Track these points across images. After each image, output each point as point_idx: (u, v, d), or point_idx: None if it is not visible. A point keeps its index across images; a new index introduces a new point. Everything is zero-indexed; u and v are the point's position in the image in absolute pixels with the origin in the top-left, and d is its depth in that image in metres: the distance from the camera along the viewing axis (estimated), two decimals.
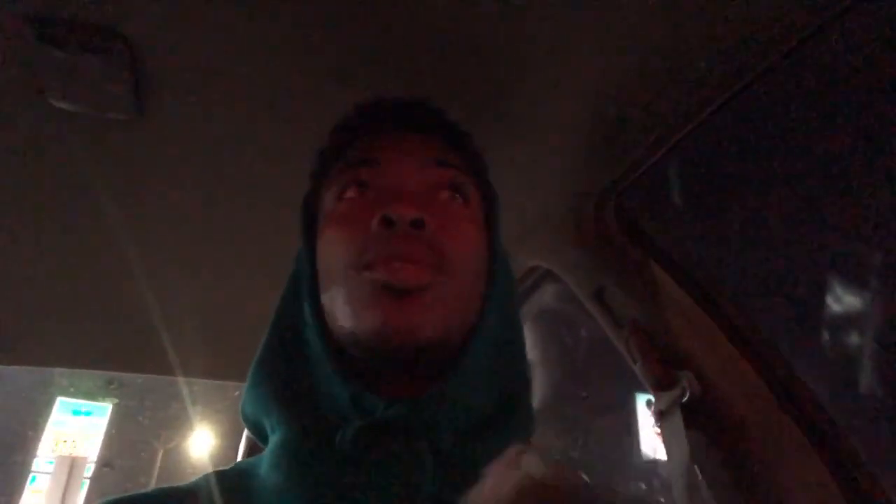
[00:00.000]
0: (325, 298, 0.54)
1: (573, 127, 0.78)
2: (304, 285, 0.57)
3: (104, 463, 10.72)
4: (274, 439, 0.53)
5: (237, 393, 0.61)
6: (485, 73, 0.69)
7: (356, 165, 0.57)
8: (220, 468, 0.57)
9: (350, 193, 0.56)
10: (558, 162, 0.85)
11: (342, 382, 0.50)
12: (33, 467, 10.20)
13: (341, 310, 0.52)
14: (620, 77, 0.69)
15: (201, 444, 11.36)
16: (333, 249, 0.54)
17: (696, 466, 0.74)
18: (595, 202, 0.90)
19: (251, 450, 1.24)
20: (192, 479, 0.56)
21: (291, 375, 0.54)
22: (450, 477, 0.47)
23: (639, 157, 0.81)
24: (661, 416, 0.81)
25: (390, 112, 0.62)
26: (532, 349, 0.62)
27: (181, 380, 1.53)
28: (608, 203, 0.89)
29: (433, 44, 0.65)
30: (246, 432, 1.23)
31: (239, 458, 1.26)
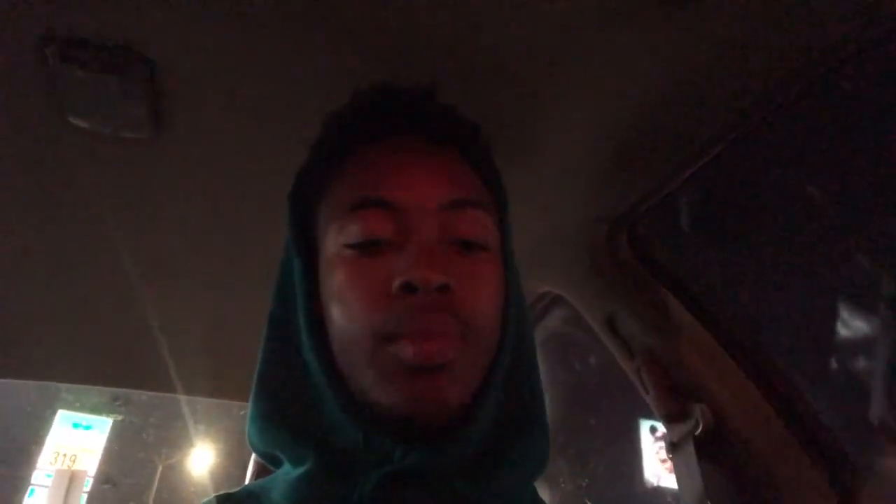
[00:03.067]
0: (339, 350, 0.51)
1: (588, 152, 0.78)
2: (303, 318, 0.53)
3: (104, 479, 10.65)
4: (289, 472, 0.51)
5: (242, 413, 0.59)
6: (499, 95, 0.69)
7: (367, 206, 0.52)
8: (229, 491, 0.56)
9: (360, 239, 0.51)
10: (572, 187, 0.85)
11: (351, 423, 0.48)
12: (33, 480, 10.14)
13: (361, 377, 0.49)
14: (638, 104, 0.69)
15: (201, 462, 11.27)
16: (348, 310, 0.49)
17: (709, 501, 0.73)
18: (608, 229, 0.89)
19: (261, 469, 1.22)
20: (193, 497, 0.54)
21: (300, 409, 0.52)
22: None
23: (654, 185, 0.81)
24: (673, 448, 0.79)
25: (395, 110, 0.57)
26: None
27: (184, 398, 1.52)
28: (622, 230, 0.89)
29: (447, 65, 0.65)
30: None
31: (248, 480, 1.24)
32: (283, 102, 0.71)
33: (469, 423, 0.48)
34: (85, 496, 9.81)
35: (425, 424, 0.47)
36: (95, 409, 10.92)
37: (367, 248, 0.50)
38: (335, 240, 0.52)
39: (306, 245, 0.56)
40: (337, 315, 0.51)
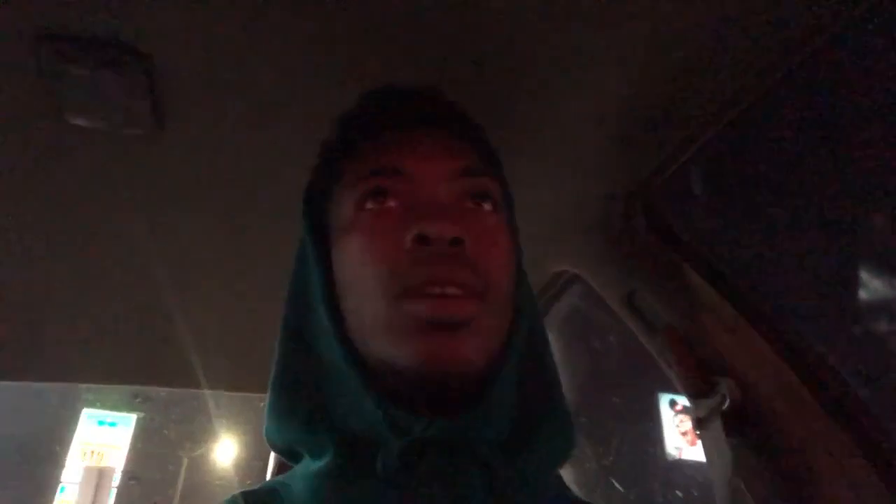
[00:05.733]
0: (354, 321, 0.51)
1: (601, 126, 0.76)
2: (318, 299, 0.53)
3: (130, 476, 10.85)
4: (309, 465, 0.51)
5: (262, 404, 0.59)
6: (511, 71, 0.67)
7: (379, 173, 0.53)
8: (249, 488, 0.55)
9: (373, 204, 0.52)
10: (586, 162, 0.83)
11: (374, 402, 0.48)
12: (62, 478, 10.37)
13: (377, 339, 0.48)
14: (649, 75, 0.67)
15: (226, 455, 11.45)
16: (362, 270, 0.50)
17: (738, 475, 0.72)
18: (624, 203, 0.87)
19: (282, 464, 1.23)
20: (218, 490, 0.54)
21: (314, 398, 0.52)
22: (499, 491, 0.46)
23: (669, 156, 0.79)
24: (700, 424, 0.78)
25: (403, 105, 0.59)
26: (557, 354, 0.61)
27: (205, 392, 1.53)
28: (638, 204, 0.87)
29: (458, 42, 0.64)
30: None
31: (269, 475, 1.25)
32: (285, 93, 0.70)
33: (490, 393, 0.48)
34: (114, 491, 10.03)
35: (444, 386, 0.46)
36: (115, 407, 11.11)
37: (381, 210, 0.51)
38: (349, 208, 0.53)
39: (321, 232, 0.57)
40: (352, 279, 0.51)
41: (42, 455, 10.27)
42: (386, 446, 0.46)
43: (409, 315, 0.46)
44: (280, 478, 0.56)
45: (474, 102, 0.62)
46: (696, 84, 0.68)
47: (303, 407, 0.52)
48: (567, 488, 0.57)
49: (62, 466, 10.46)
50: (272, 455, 1.31)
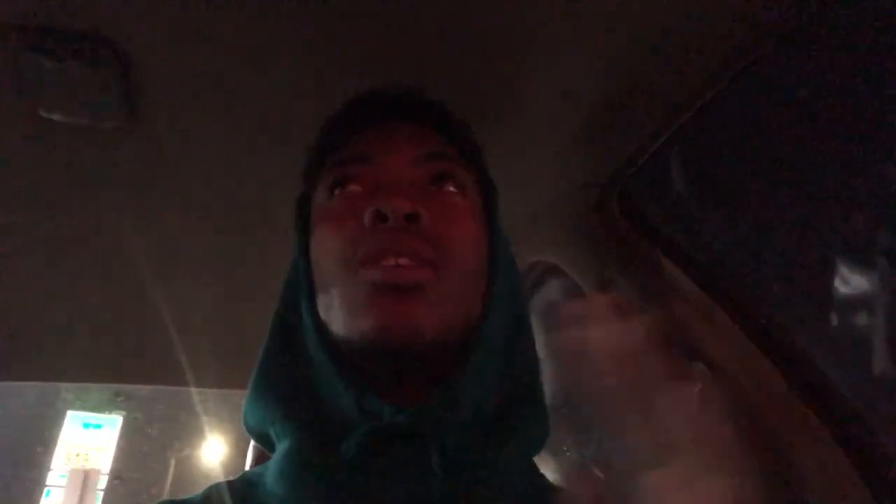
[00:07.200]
0: (321, 301, 0.53)
1: (574, 116, 0.77)
2: (302, 288, 0.56)
3: (115, 476, 10.74)
4: (280, 448, 0.52)
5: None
6: (483, 63, 0.68)
7: (347, 162, 0.56)
8: (228, 479, 0.56)
9: (340, 189, 0.55)
10: (560, 152, 0.83)
11: (346, 387, 0.49)
12: (47, 481, 10.23)
13: (337, 312, 0.50)
14: (621, 64, 0.68)
15: (213, 453, 11.36)
16: (325, 247, 0.53)
17: None
18: (599, 193, 0.88)
19: (259, 458, 1.23)
20: (202, 489, 0.55)
21: (294, 383, 0.53)
22: (460, 483, 0.46)
23: (642, 146, 0.80)
24: None
25: (381, 104, 0.61)
26: (538, 346, 0.61)
27: (191, 390, 1.52)
28: (612, 193, 0.88)
29: (431, 36, 0.64)
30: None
31: (247, 467, 1.25)
32: (263, 85, 0.70)
33: (459, 383, 0.49)
34: (101, 494, 9.92)
35: (400, 358, 0.48)
36: (97, 408, 10.97)
37: (347, 195, 0.54)
38: (321, 197, 0.56)
39: (305, 229, 0.60)
40: (319, 260, 0.53)
41: (26, 457, 10.13)
42: (353, 432, 0.47)
43: (363, 281, 0.48)
44: (257, 468, 0.57)
45: (446, 94, 0.62)
46: (670, 71, 0.69)
47: (278, 388, 0.53)
48: (541, 475, 0.57)
49: (47, 468, 10.32)
50: (250, 448, 1.32)
